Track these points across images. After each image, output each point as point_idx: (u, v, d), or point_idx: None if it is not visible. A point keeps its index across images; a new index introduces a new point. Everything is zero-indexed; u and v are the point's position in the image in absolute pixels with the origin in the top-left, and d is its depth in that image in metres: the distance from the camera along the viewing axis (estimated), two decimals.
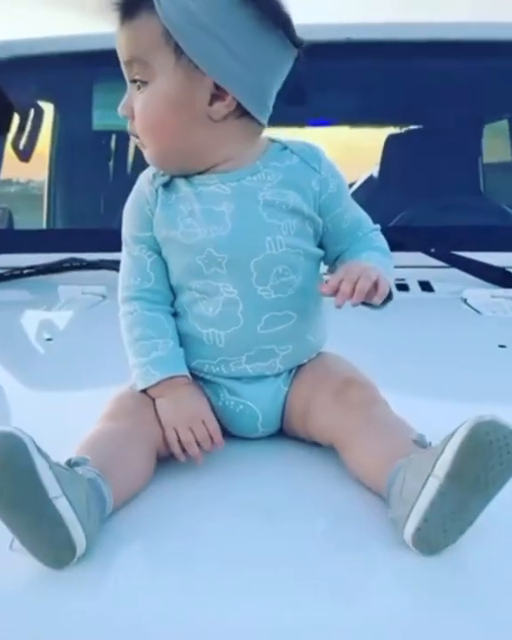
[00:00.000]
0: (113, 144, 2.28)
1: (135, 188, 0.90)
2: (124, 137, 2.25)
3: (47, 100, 2.08)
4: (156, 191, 0.87)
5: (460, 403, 0.96)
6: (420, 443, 0.74)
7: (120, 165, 2.34)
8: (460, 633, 0.58)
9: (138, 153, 2.30)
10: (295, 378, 0.90)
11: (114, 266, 1.61)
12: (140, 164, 2.26)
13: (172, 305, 0.89)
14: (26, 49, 1.90)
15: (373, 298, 0.80)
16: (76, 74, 1.94)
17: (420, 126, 2.38)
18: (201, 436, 0.82)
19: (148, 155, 0.86)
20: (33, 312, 1.58)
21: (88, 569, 0.66)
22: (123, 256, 0.91)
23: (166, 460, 0.83)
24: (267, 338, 0.86)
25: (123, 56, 0.83)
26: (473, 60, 1.93)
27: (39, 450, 0.65)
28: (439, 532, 0.66)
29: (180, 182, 0.87)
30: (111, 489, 0.72)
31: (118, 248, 1.61)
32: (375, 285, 0.79)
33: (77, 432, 0.79)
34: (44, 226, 2.28)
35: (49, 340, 1.32)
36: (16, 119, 2.00)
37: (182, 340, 0.88)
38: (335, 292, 0.78)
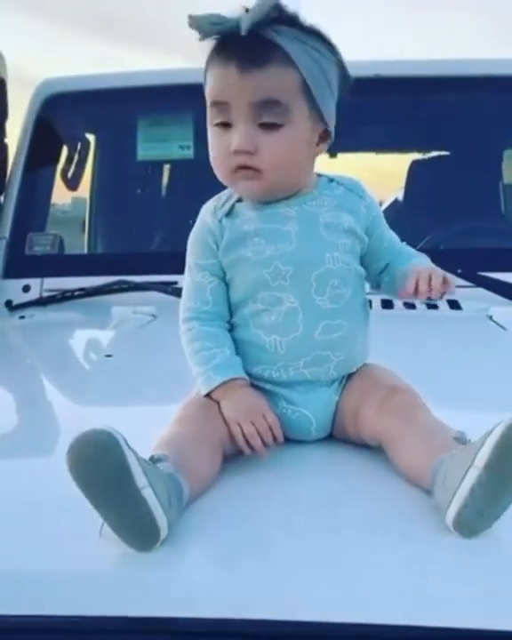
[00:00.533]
0: (150, 173, 2.42)
1: (199, 220, 1.01)
2: (159, 167, 2.39)
3: (92, 132, 2.21)
4: (220, 222, 0.98)
5: (493, 408, 1.05)
6: (461, 440, 0.84)
7: (157, 193, 2.47)
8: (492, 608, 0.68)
9: (175, 181, 2.43)
10: (345, 387, 1.01)
11: (160, 287, 1.74)
12: (177, 192, 2.40)
13: (231, 321, 1.00)
14: (76, 85, 2.04)
15: (448, 290, 0.95)
16: (122, 108, 2.08)
17: (443, 152, 2.49)
18: (262, 428, 0.92)
19: (259, 186, 0.95)
20: (90, 331, 1.70)
21: (169, 552, 0.76)
22: (185, 279, 1.02)
23: (234, 458, 0.93)
24: (323, 344, 0.97)
25: (248, 97, 0.91)
26: (491, 92, 2.05)
27: (129, 446, 0.76)
28: (477, 517, 0.76)
29: (244, 208, 0.98)
30: (187, 483, 0.82)
31: (162, 271, 1.73)
32: (444, 281, 0.94)
33: (150, 434, 0.90)
34: (85, 250, 2.41)
35: (109, 356, 1.43)
36: (64, 151, 2.14)
37: (245, 348, 0.99)
38: (414, 293, 0.94)
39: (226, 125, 0.93)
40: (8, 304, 1.86)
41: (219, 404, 0.96)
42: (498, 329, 1.52)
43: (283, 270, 0.96)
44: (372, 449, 0.95)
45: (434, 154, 2.58)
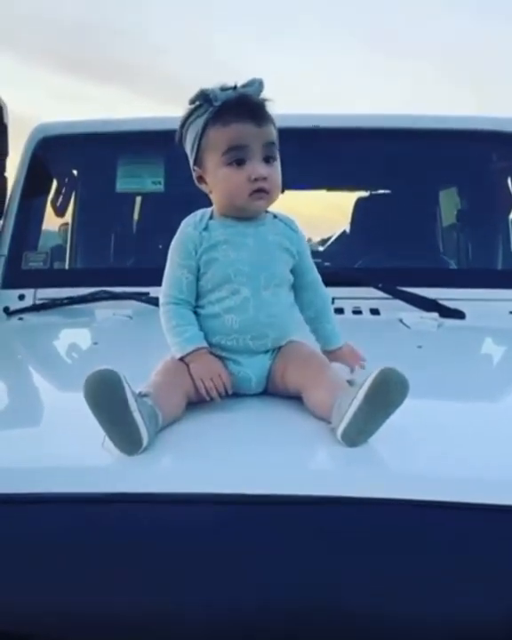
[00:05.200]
0: (124, 203, 2.81)
1: (181, 230, 1.38)
2: (131, 198, 2.78)
3: (78, 168, 2.59)
4: (200, 233, 1.36)
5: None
6: (351, 383, 1.23)
7: (130, 219, 2.87)
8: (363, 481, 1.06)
9: (145, 210, 2.83)
10: (276, 355, 1.39)
11: (135, 296, 2.11)
12: (146, 219, 2.78)
13: (200, 303, 1.37)
14: (65, 129, 2.43)
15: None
16: (103, 149, 2.47)
17: (384, 191, 2.93)
18: (217, 383, 1.30)
19: (266, 203, 1.36)
20: (78, 328, 2.05)
21: (147, 455, 1.12)
22: (167, 273, 1.39)
23: (194, 404, 1.31)
24: (265, 324, 1.36)
25: (259, 141, 1.31)
26: (425, 141, 2.47)
27: (127, 382, 1.11)
28: (358, 433, 1.14)
29: (217, 225, 1.37)
30: (162, 414, 1.19)
31: (137, 283, 2.10)
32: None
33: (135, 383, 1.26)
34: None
35: (96, 343, 1.80)
36: (54, 184, 2.52)
37: (210, 322, 1.36)
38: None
39: (241, 162, 1.31)
40: (6, 310, 2.20)
41: (188, 365, 1.33)
42: (404, 327, 1.94)
43: (242, 270, 1.35)
44: (293, 400, 1.33)
45: (377, 192, 3.02)
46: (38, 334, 1.99)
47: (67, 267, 2.73)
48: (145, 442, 1.12)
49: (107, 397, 1.10)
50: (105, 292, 2.15)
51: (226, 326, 1.35)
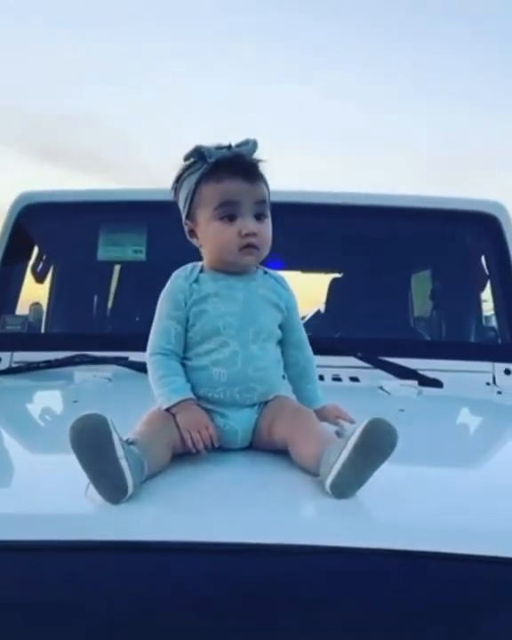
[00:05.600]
0: (105, 273, 2.83)
1: (170, 283, 1.39)
2: (110, 266, 2.80)
3: (59, 235, 2.62)
4: (190, 285, 1.37)
5: None
6: (340, 434, 1.22)
7: (108, 288, 2.88)
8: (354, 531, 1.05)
9: (124, 277, 2.84)
10: (263, 409, 1.38)
11: (115, 361, 2.09)
12: (124, 286, 2.79)
13: (188, 355, 1.37)
14: (48, 198, 2.46)
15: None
16: (84, 218, 2.50)
17: (354, 272, 2.99)
18: (204, 436, 1.28)
19: (255, 258, 1.38)
20: (57, 389, 2.02)
21: (131, 503, 1.09)
22: (155, 324, 1.39)
23: (179, 455, 1.28)
24: (252, 378, 1.35)
25: (251, 199, 1.34)
26: (402, 221, 2.54)
27: (114, 427, 1.09)
28: (347, 484, 1.12)
29: (207, 278, 1.38)
30: (147, 463, 1.16)
31: (117, 348, 2.09)
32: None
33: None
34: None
35: (75, 402, 1.77)
36: (35, 250, 2.54)
37: (197, 374, 1.35)
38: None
39: (232, 218, 1.34)
40: None
41: (174, 416, 1.31)
42: (384, 394, 1.95)
43: (231, 323, 1.35)
44: (279, 453, 1.31)
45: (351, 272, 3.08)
46: (16, 394, 1.95)
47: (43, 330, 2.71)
48: (130, 490, 1.09)
49: (93, 441, 1.08)
50: (84, 356, 2.13)
51: (213, 379, 1.34)
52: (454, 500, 1.17)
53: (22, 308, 2.51)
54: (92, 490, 1.09)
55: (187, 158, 1.38)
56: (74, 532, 1.03)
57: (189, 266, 1.41)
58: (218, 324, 1.35)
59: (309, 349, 1.49)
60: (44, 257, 2.57)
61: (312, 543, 1.02)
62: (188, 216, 1.41)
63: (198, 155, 1.36)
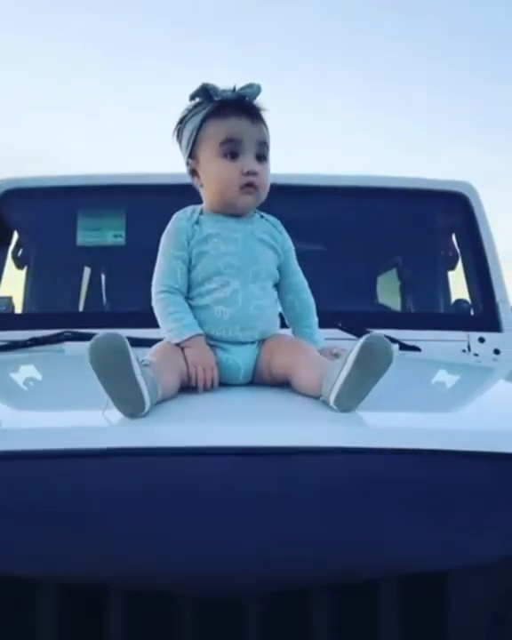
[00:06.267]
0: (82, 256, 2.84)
1: (173, 224, 1.45)
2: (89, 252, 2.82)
3: (39, 221, 2.64)
4: (192, 226, 1.42)
5: None
6: (338, 355, 1.27)
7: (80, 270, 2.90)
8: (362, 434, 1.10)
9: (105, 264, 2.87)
10: (263, 346, 1.43)
11: None
12: (106, 273, 2.82)
13: (191, 294, 1.42)
14: (27, 183, 2.50)
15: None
16: (64, 203, 2.54)
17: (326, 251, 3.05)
18: (208, 376, 1.33)
19: (254, 199, 1.42)
20: (52, 356, 2.04)
21: (150, 418, 1.13)
22: (160, 263, 1.43)
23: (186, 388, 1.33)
24: (253, 316, 1.40)
25: (253, 138, 1.39)
26: (371, 201, 2.60)
27: (131, 347, 1.13)
28: (350, 398, 1.17)
29: (207, 220, 1.43)
30: (160, 387, 1.20)
31: (103, 326, 2.12)
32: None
33: None
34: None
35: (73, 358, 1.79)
36: (15, 236, 2.56)
37: (199, 313, 1.40)
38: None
39: (234, 156, 1.39)
40: None
41: (182, 349, 1.35)
42: None
43: (232, 263, 1.40)
44: (280, 387, 1.36)
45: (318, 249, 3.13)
46: (9, 364, 1.97)
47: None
48: (147, 405, 1.12)
49: (112, 359, 1.11)
50: (70, 332, 2.15)
51: (215, 317, 1.39)
52: (447, 411, 1.27)
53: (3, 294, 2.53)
54: (111, 406, 1.12)
55: (193, 97, 1.43)
56: (97, 441, 1.07)
57: (189, 208, 1.47)
58: (219, 265, 1.40)
59: (306, 293, 1.54)
60: (24, 242, 2.59)
61: (322, 445, 1.07)
62: (190, 155, 1.46)
63: (204, 93, 1.41)
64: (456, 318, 2.52)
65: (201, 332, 1.37)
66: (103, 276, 2.78)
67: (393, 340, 2.15)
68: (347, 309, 2.42)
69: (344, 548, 0.97)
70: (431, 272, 2.77)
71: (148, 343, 1.45)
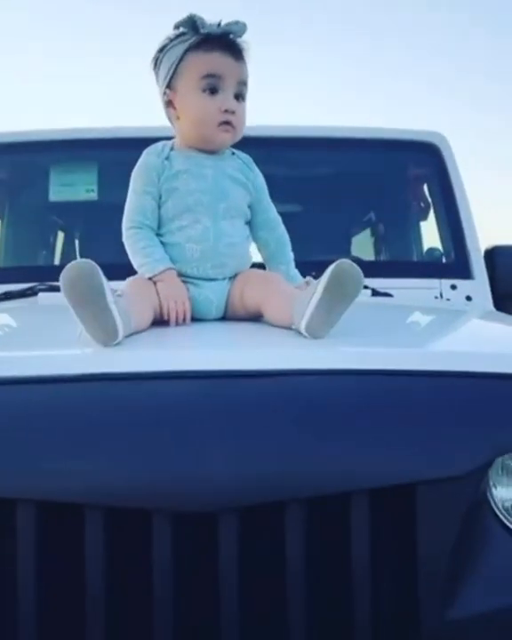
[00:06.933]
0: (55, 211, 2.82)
1: (143, 160, 1.45)
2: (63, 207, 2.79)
3: (11, 175, 2.62)
4: (163, 162, 1.42)
5: None
6: (309, 283, 1.29)
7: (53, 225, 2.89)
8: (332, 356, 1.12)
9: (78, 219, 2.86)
10: (234, 281, 1.45)
11: None
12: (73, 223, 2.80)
13: (161, 231, 1.42)
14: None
15: None
16: (37, 158, 2.52)
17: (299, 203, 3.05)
18: (180, 309, 1.34)
19: (230, 137, 1.41)
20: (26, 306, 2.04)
21: (120, 347, 1.15)
22: (130, 199, 1.43)
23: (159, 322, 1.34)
24: (224, 253, 1.42)
25: (235, 76, 1.38)
26: (343, 152, 2.61)
27: (103, 274, 1.13)
28: (319, 324, 1.18)
29: (178, 155, 1.43)
30: (133, 318, 1.21)
31: None
32: None
33: None
34: None
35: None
36: None
37: (170, 250, 1.41)
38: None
39: (213, 91, 1.38)
40: None
41: (155, 284, 1.36)
42: None
43: (201, 200, 1.40)
44: (253, 320, 1.38)
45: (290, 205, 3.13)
46: None
47: None
48: (120, 334, 1.13)
49: (85, 286, 1.10)
50: (45, 285, 2.14)
51: (186, 255, 1.40)
52: (415, 337, 1.29)
53: None
54: (85, 334, 1.13)
55: (177, 26, 1.41)
56: (70, 367, 1.08)
57: (160, 144, 1.46)
58: (189, 201, 1.40)
59: (280, 229, 1.55)
60: None
61: (292, 368, 1.09)
62: (168, 85, 1.44)
63: (191, 24, 1.39)
64: (428, 266, 2.55)
65: (173, 266, 1.38)
66: (77, 231, 2.77)
67: (365, 288, 2.19)
68: (320, 259, 2.44)
69: (316, 463, 1.00)
70: (403, 222, 2.78)
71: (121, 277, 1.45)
